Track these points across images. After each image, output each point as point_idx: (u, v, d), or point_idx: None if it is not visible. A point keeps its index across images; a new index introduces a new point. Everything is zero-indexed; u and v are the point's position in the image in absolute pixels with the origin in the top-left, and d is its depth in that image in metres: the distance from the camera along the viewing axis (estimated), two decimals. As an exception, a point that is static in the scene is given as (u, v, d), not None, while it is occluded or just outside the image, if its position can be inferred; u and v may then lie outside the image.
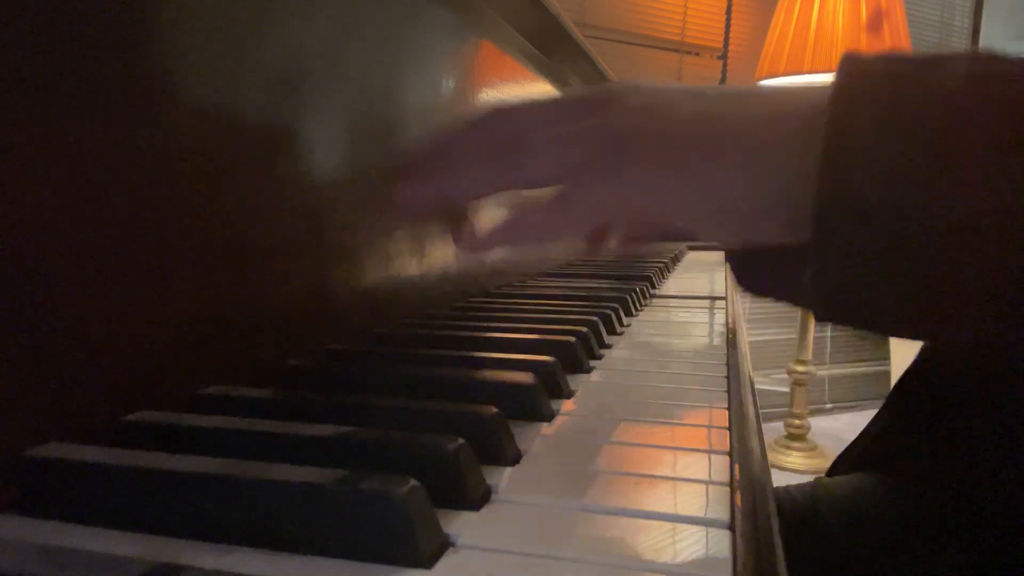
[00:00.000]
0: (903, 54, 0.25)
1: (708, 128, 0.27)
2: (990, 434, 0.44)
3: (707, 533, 0.21)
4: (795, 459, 2.15)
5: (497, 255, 0.30)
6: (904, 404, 0.59)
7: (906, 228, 0.22)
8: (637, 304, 0.65)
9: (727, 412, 0.33)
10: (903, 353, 2.38)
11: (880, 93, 0.23)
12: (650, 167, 0.27)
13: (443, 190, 0.32)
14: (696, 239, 0.29)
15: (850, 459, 0.63)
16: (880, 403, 0.61)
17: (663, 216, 0.28)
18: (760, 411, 0.34)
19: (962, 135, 0.22)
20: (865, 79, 0.24)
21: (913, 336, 0.26)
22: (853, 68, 0.24)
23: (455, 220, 0.37)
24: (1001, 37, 3.02)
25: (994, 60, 0.23)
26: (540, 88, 0.82)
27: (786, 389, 2.30)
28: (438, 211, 0.34)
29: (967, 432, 0.49)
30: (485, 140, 0.32)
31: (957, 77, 0.23)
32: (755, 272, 0.26)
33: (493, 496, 0.23)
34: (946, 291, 0.22)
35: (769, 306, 2.45)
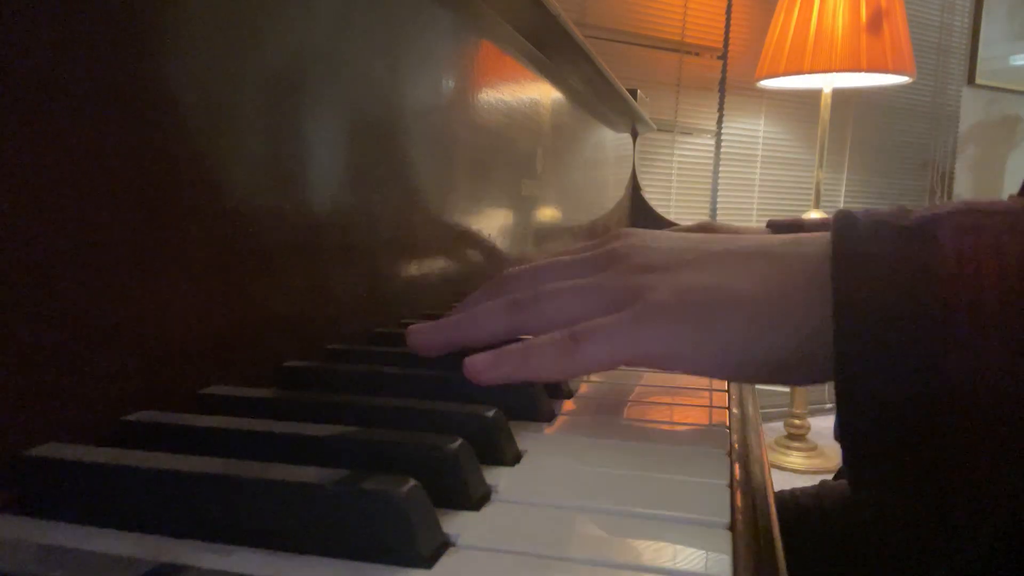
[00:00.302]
0: (892, 224, 0.26)
1: (719, 293, 0.28)
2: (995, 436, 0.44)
3: (707, 533, 0.21)
4: (795, 459, 2.15)
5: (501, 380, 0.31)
6: None
7: (922, 400, 0.23)
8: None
9: (727, 412, 0.33)
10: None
11: (879, 277, 0.24)
12: (666, 323, 0.28)
13: (457, 336, 0.34)
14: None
15: None
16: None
17: (674, 367, 0.29)
18: (760, 411, 0.34)
19: (958, 317, 0.23)
20: (862, 261, 0.25)
21: (939, 507, 0.27)
22: (846, 247, 0.25)
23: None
24: (1001, 37, 3.02)
25: (978, 230, 0.24)
26: (540, 88, 0.82)
27: (786, 389, 2.30)
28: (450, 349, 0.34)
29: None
30: (504, 293, 0.34)
31: (947, 256, 0.24)
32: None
33: (493, 496, 0.23)
34: (963, 460, 0.23)
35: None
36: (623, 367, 0.42)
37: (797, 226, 0.76)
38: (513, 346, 0.30)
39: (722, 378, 0.30)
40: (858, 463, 0.25)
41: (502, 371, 0.30)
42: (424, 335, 0.34)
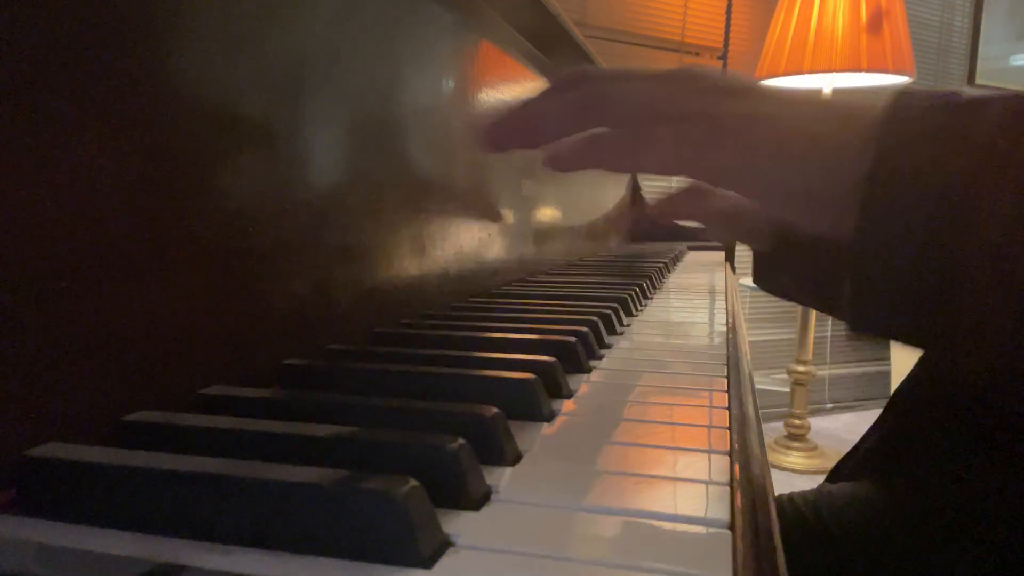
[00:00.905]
0: (949, 98, 0.27)
1: (776, 125, 0.30)
2: (992, 440, 0.45)
3: (707, 533, 0.21)
4: (795, 459, 2.15)
5: (575, 168, 0.33)
6: (905, 409, 0.59)
7: (937, 253, 0.25)
8: (637, 304, 0.65)
9: (727, 412, 0.33)
10: (904, 353, 2.38)
11: (922, 141, 0.26)
12: (724, 146, 0.30)
13: (532, 131, 0.35)
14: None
15: (851, 464, 0.63)
16: (881, 403, 0.61)
17: (725, 185, 0.31)
18: (760, 411, 0.34)
19: (993, 185, 0.24)
20: (911, 126, 0.27)
21: (935, 353, 0.29)
22: (901, 113, 0.27)
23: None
24: (1001, 37, 3.02)
25: (1020, 113, 0.26)
26: (540, 88, 0.82)
27: (786, 389, 2.30)
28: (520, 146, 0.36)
29: (969, 438, 0.49)
30: (574, 92, 0.34)
31: (990, 126, 0.25)
32: (776, 273, 0.29)
33: (493, 496, 0.23)
34: (970, 312, 0.25)
35: (769, 306, 2.45)
36: (623, 366, 0.42)
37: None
38: (581, 139, 0.32)
39: (762, 202, 0.32)
40: (867, 299, 0.27)
41: (577, 153, 0.33)
42: (497, 129, 0.36)
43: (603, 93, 0.33)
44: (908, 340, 0.27)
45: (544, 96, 0.35)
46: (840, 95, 0.38)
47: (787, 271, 0.48)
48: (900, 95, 0.28)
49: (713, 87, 0.32)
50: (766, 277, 0.50)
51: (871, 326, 0.27)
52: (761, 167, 0.30)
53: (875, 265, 0.26)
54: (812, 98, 0.32)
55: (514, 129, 0.36)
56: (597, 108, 0.33)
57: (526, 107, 0.35)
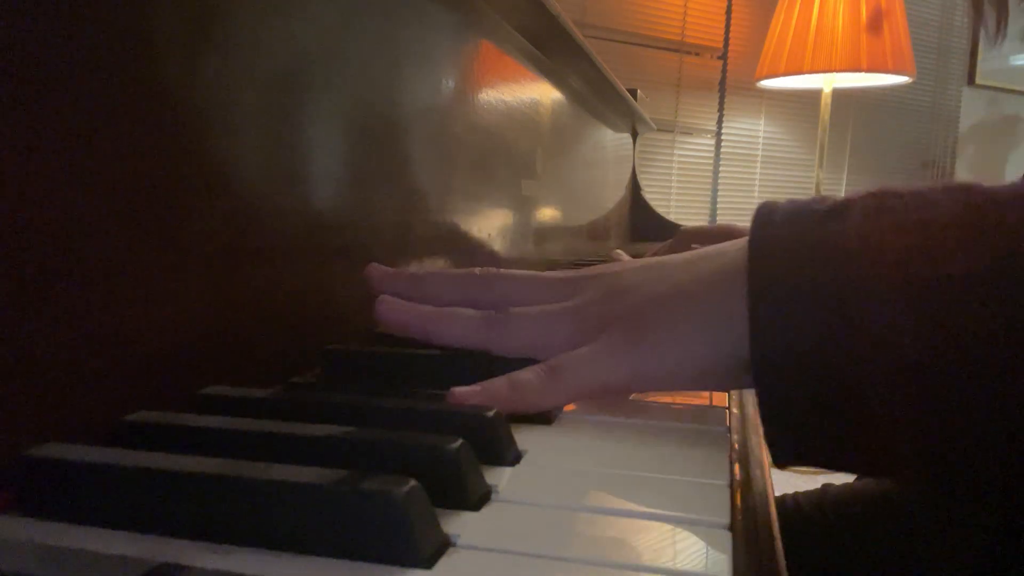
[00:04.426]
0: (807, 211, 0.27)
1: (662, 308, 0.30)
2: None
3: (707, 533, 0.21)
4: (795, 459, 2.15)
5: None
6: None
7: (830, 379, 0.25)
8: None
9: (727, 412, 0.33)
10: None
11: (786, 259, 0.26)
12: (624, 348, 0.30)
13: (427, 328, 0.34)
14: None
15: None
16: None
17: (642, 388, 0.32)
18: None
19: (860, 291, 0.24)
20: (773, 244, 0.27)
21: (860, 474, 0.28)
22: (763, 235, 0.27)
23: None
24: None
25: (883, 210, 0.26)
26: (540, 88, 0.82)
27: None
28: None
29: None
30: (475, 294, 0.35)
31: (852, 231, 0.25)
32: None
33: (493, 496, 0.23)
34: (871, 431, 0.25)
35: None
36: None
37: (702, 234, 0.78)
38: (498, 381, 0.31)
39: (672, 387, 0.32)
40: (777, 438, 0.26)
41: (488, 403, 0.30)
42: (394, 313, 0.35)
43: (504, 334, 0.33)
44: (828, 463, 0.27)
45: (446, 319, 0.35)
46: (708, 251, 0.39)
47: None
48: (761, 209, 0.28)
49: (599, 296, 0.32)
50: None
51: (789, 454, 0.27)
52: (657, 355, 0.30)
53: (775, 389, 0.26)
54: (694, 254, 0.32)
55: (411, 322, 0.35)
56: (497, 343, 0.33)
57: (427, 318, 0.35)
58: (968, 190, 0.25)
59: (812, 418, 0.25)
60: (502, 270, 0.37)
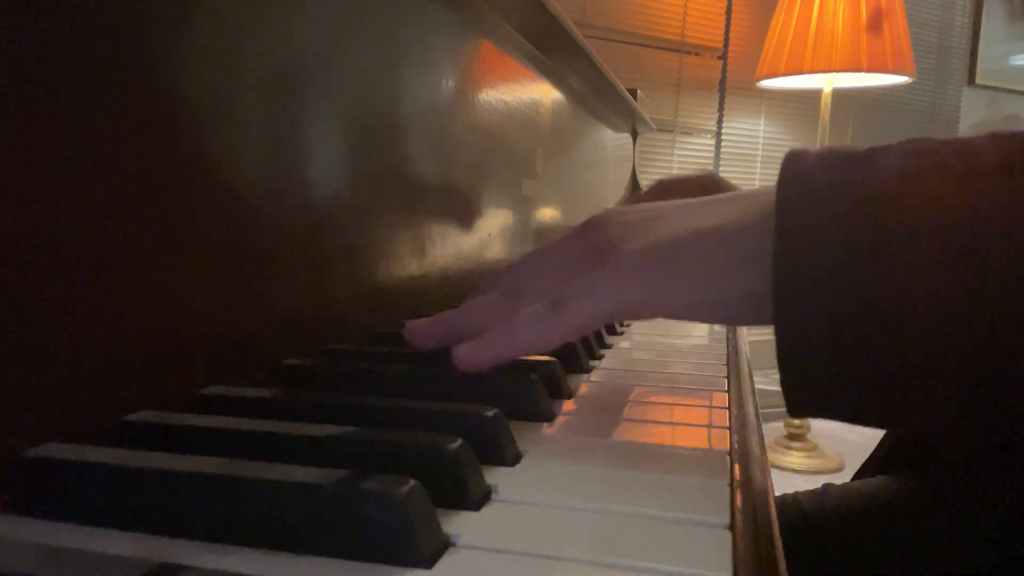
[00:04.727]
0: (840, 153, 0.26)
1: (682, 235, 0.29)
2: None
3: (707, 533, 0.21)
4: (795, 459, 2.15)
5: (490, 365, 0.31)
6: None
7: (861, 319, 0.24)
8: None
9: (727, 412, 0.33)
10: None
11: (819, 200, 0.25)
12: (637, 272, 0.29)
13: (455, 329, 0.34)
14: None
15: (871, 464, 0.63)
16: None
17: (650, 313, 0.30)
18: (760, 411, 0.34)
19: (897, 233, 0.23)
20: (805, 185, 0.26)
21: (877, 426, 0.27)
22: (793, 174, 0.26)
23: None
24: (1001, 37, 3.02)
25: (924, 153, 0.25)
26: (540, 88, 0.82)
27: (786, 389, 2.29)
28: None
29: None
30: (495, 292, 0.35)
31: (892, 172, 0.25)
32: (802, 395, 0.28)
33: (493, 496, 0.23)
34: (896, 378, 0.24)
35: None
36: (623, 367, 0.42)
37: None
38: (497, 327, 0.30)
39: (693, 318, 0.31)
40: (795, 383, 0.26)
41: (490, 353, 0.31)
42: (421, 330, 0.35)
43: (513, 286, 0.33)
44: (846, 413, 0.26)
45: (468, 310, 0.35)
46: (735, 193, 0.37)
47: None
48: (790, 154, 0.27)
49: (609, 235, 0.31)
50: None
51: (807, 402, 0.26)
52: (677, 284, 0.29)
53: (798, 335, 0.25)
54: (713, 197, 0.31)
55: (440, 334, 0.35)
56: (513, 299, 0.33)
57: (453, 323, 0.35)
58: (1005, 138, 0.24)
59: (836, 362, 0.24)
60: (503, 268, 0.37)
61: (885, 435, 0.63)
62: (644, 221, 0.31)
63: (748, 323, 0.29)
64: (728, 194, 0.31)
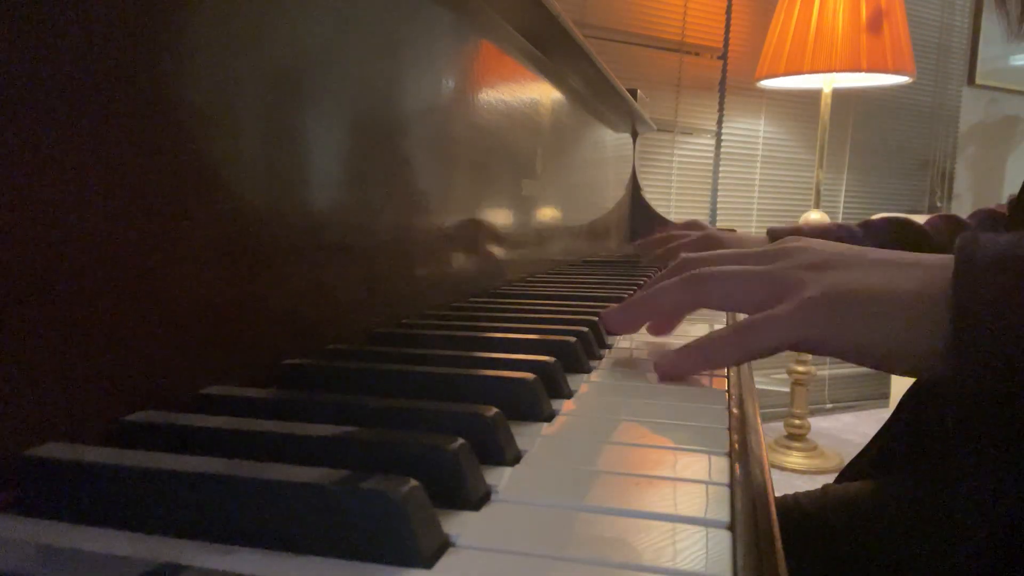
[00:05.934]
0: (1013, 241, 0.31)
1: (860, 290, 0.34)
2: (1003, 441, 0.45)
3: (707, 533, 0.21)
4: (795, 459, 2.15)
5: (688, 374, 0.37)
6: (916, 406, 0.59)
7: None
8: (637, 304, 0.65)
9: (727, 412, 0.33)
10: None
11: (994, 287, 0.29)
12: (818, 315, 0.34)
13: (646, 312, 0.42)
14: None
15: (862, 463, 0.63)
16: (880, 403, 0.61)
17: (822, 352, 0.35)
18: (760, 411, 0.34)
19: None
20: (980, 272, 0.30)
21: None
22: (968, 259, 0.31)
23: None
24: (1001, 37, 3.01)
25: None
26: (540, 88, 0.82)
27: (786, 389, 2.30)
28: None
29: (978, 439, 0.49)
30: (680, 272, 0.40)
31: None
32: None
33: (493, 496, 0.23)
34: None
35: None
36: (623, 367, 0.42)
37: (796, 232, 0.81)
38: (692, 343, 0.36)
39: (857, 361, 0.35)
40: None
41: (685, 367, 0.37)
42: (615, 315, 0.42)
43: (706, 290, 0.38)
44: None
45: (656, 293, 0.40)
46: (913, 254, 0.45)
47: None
48: (962, 244, 0.32)
49: (800, 275, 0.36)
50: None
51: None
52: (852, 333, 0.33)
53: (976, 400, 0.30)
54: (889, 257, 0.36)
55: (632, 317, 0.42)
56: (703, 298, 0.39)
57: (643, 302, 0.41)
58: None
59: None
60: (711, 251, 0.42)
61: (876, 435, 0.63)
62: (829, 265, 0.36)
63: (916, 375, 0.35)
64: (893, 256, 0.36)
